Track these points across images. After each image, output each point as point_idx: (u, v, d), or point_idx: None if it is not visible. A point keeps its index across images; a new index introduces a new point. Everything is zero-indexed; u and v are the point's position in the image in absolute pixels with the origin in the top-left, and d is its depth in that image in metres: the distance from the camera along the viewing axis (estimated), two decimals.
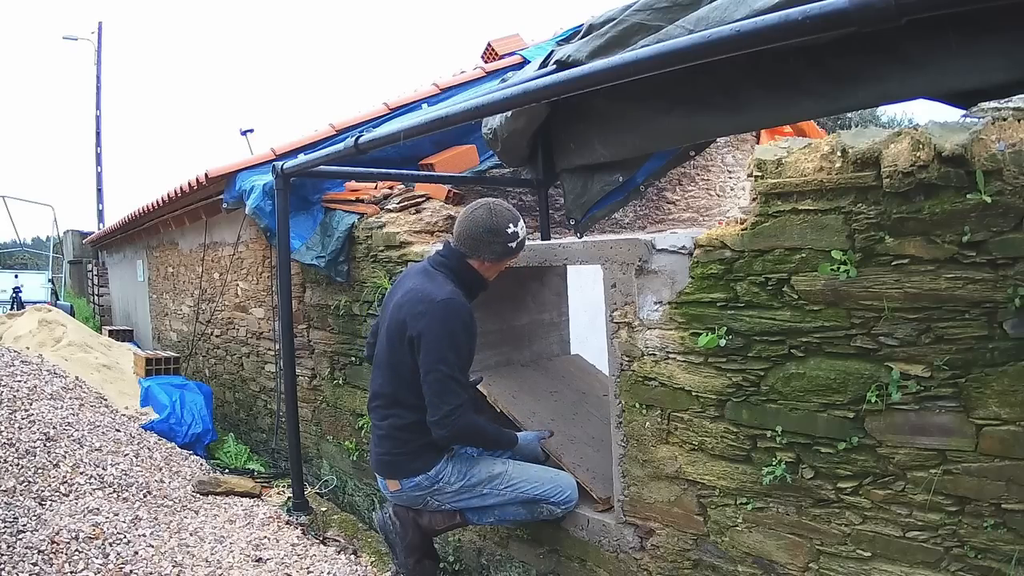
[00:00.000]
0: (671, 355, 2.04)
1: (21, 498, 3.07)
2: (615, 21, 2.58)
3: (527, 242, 2.33)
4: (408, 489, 2.25)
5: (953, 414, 1.54)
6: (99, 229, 12.92)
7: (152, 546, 2.96)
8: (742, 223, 1.84)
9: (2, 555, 2.55)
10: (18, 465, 3.32)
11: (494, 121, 3.26)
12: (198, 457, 4.37)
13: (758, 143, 5.46)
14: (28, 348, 5.61)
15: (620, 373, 2.21)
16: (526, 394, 2.69)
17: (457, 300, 2.12)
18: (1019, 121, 1.53)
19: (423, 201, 3.64)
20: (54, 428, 3.79)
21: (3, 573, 2.46)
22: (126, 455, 3.82)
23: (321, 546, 3.17)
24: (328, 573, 2.89)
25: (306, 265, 3.89)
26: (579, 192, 3.34)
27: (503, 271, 2.35)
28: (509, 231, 2.19)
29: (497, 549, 2.83)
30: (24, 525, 2.80)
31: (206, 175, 4.42)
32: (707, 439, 1.98)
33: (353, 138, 2.72)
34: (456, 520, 2.36)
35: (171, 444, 4.33)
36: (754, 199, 1.79)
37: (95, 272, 12.19)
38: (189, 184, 4.90)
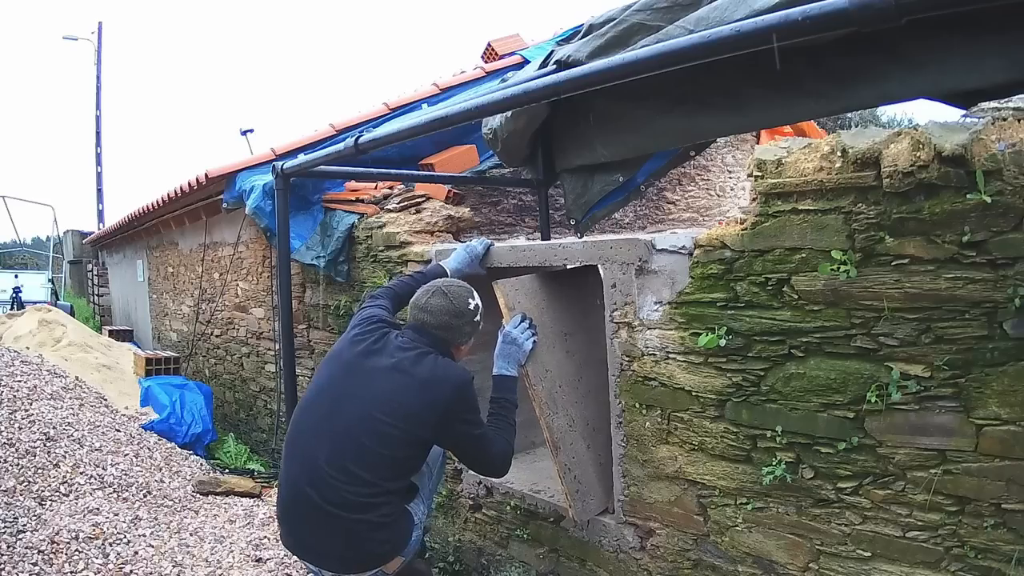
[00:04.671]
0: (671, 355, 2.04)
1: (21, 498, 3.07)
2: (615, 21, 2.58)
3: (527, 242, 2.32)
4: (412, 552, 2.09)
5: (953, 414, 1.54)
6: (99, 229, 12.93)
7: (152, 546, 2.96)
8: (742, 223, 1.84)
9: (2, 555, 2.55)
10: (18, 465, 3.32)
11: (494, 121, 3.26)
12: (198, 457, 4.36)
13: (758, 143, 5.46)
14: (28, 348, 5.61)
15: (620, 373, 2.21)
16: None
17: (467, 375, 2.05)
18: (1019, 121, 1.53)
19: (423, 201, 3.64)
20: (54, 428, 3.79)
21: (3, 573, 2.46)
22: (126, 455, 3.82)
23: None
24: None
25: (306, 265, 3.89)
26: (579, 192, 3.34)
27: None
28: (471, 307, 2.13)
29: (497, 549, 2.83)
30: (24, 525, 2.80)
31: (206, 175, 4.42)
32: (707, 439, 1.98)
33: (353, 138, 2.72)
34: (425, 530, 2.37)
35: (171, 444, 4.33)
36: (754, 199, 1.80)
37: (95, 272, 12.20)
38: (189, 184, 4.90)
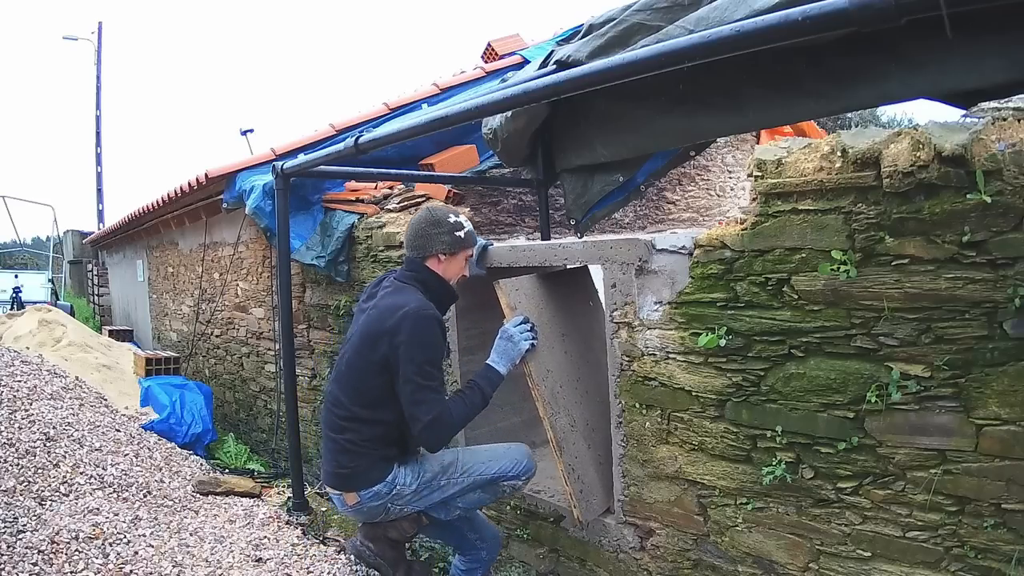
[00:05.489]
0: (671, 355, 2.04)
1: (21, 498, 3.07)
2: (615, 21, 2.58)
3: (527, 242, 2.32)
4: (367, 500, 2.18)
5: (953, 414, 1.54)
6: (99, 229, 12.93)
7: (152, 546, 2.96)
8: (742, 223, 1.84)
9: (2, 555, 2.55)
10: (18, 465, 3.32)
11: (494, 121, 3.26)
12: (198, 457, 4.36)
13: (758, 143, 5.46)
14: (28, 348, 5.61)
15: (620, 373, 2.21)
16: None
17: (426, 309, 2.09)
18: (1019, 121, 1.53)
19: (423, 201, 3.64)
20: (54, 428, 3.79)
21: (3, 573, 2.46)
22: (126, 455, 3.82)
23: (321, 546, 3.16)
24: (328, 573, 2.89)
25: (306, 265, 3.89)
26: (579, 192, 3.34)
27: (463, 278, 2.32)
28: (451, 220, 2.24)
29: None
30: (24, 525, 2.80)
31: (206, 175, 4.42)
32: (707, 439, 1.98)
33: (353, 138, 2.72)
34: (423, 521, 2.33)
35: (171, 444, 4.33)
36: (754, 199, 1.80)
37: (95, 272, 12.20)
38: (189, 184, 4.90)
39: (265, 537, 3.18)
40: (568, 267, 2.62)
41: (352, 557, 2.41)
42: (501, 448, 2.33)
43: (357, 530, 2.40)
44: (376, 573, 2.39)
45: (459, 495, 2.27)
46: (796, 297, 1.74)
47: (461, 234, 2.23)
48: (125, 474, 3.58)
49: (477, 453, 2.31)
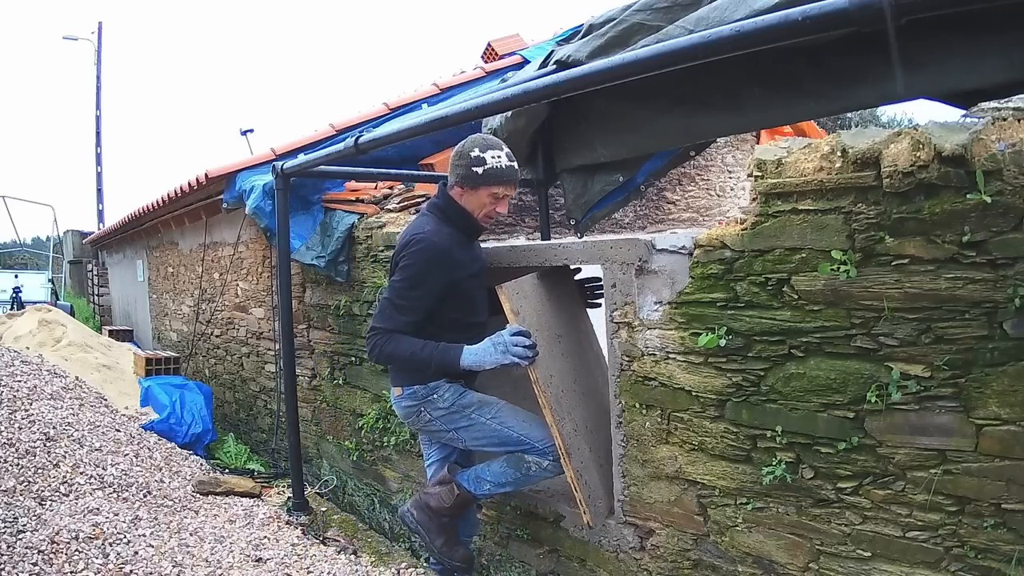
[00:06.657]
0: (671, 355, 2.04)
1: (21, 498, 3.07)
2: (615, 21, 2.58)
3: (527, 243, 2.31)
4: (407, 396, 2.33)
5: (953, 414, 1.54)
6: (99, 229, 12.93)
7: (152, 546, 2.96)
8: (742, 223, 1.84)
9: (2, 555, 2.55)
10: (18, 465, 3.32)
11: (494, 121, 3.26)
12: (198, 457, 4.37)
13: (758, 143, 5.46)
14: (28, 348, 5.61)
15: (620, 373, 2.21)
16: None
17: (425, 236, 2.19)
18: (1019, 121, 1.53)
19: (423, 201, 3.64)
20: (54, 428, 3.79)
21: (3, 573, 2.46)
22: (126, 455, 3.82)
23: (321, 546, 3.17)
24: (328, 573, 2.89)
25: (306, 265, 3.89)
26: (579, 192, 3.34)
27: (497, 214, 2.30)
28: (473, 155, 2.20)
29: (497, 549, 2.83)
30: (24, 525, 2.80)
31: (206, 175, 4.42)
32: (707, 439, 1.98)
33: (353, 138, 2.72)
34: (455, 492, 2.35)
35: (171, 444, 4.33)
36: (754, 199, 1.80)
37: (95, 272, 12.20)
38: (189, 184, 4.90)
39: (265, 537, 3.19)
40: (561, 268, 2.61)
41: (400, 521, 2.62)
42: (539, 421, 2.29)
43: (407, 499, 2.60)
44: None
45: (483, 440, 2.30)
46: (796, 297, 1.74)
47: (479, 170, 2.19)
48: (125, 474, 3.58)
49: (517, 411, 2.34)
